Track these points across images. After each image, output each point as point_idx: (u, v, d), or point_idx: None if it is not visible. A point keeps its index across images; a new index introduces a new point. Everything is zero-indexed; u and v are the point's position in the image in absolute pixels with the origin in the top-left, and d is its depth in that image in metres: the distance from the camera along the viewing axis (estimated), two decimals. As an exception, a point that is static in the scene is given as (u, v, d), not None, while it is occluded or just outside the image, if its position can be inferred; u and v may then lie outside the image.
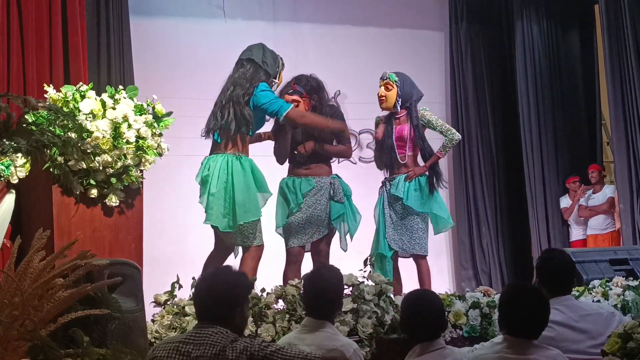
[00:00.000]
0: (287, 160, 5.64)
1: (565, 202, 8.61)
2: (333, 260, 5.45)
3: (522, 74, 8.64)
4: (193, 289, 3.02)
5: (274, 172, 5.64)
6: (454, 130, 5.91)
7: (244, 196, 4.99)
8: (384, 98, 5.83)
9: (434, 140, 6.03)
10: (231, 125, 5.10)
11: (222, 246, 5.20)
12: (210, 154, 5.22)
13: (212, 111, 5.29)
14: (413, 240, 5.70)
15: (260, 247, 5.13)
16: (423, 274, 5.73)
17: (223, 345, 2.73)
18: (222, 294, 2.88)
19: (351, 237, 5.57)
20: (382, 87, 5.84)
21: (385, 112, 5.95)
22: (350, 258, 5.49)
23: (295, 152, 5.54)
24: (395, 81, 5.81)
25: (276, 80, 5.34)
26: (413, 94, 5.86)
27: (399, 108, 5.82)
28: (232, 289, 2.91)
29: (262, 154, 5.70)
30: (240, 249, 5.20)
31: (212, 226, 5.11)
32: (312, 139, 5.52)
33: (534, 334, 3.11)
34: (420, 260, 5.74)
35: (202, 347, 2.74)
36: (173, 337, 2.97)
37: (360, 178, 6.18)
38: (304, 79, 5.54)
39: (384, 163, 5.92)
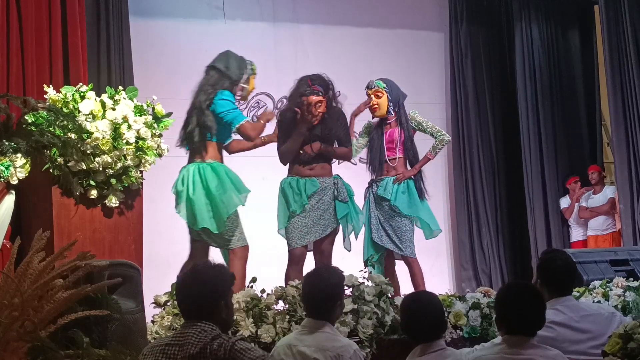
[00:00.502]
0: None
1: (565, 202, 8.61)
2: (335, 261, 5.43)
3: (522, 75, 8.64)
4: (175, 289, 2.99)
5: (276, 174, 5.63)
6: (444, 132, 5.92)
7: (220, 193, 4.98)
8: (376, 106, 5.80)
9: (422, 141, 6.03)
10: (194, 133, 5.08)
11: (198, 254, 5.17)
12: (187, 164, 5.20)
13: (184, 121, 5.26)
14: (403, 242, 5.68)
15: (245, 248, 5.11)
16: (416, 275, 5.70)
17: (204, 344, 2.72)
18: (203, 290, 2.86)
19: (356, 236, 5.54)
20: (372, 96, 5.81)
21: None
22: (352, 258, 5.50)
23: (301, 152, 5.47)
24: (384, 88, 5.78)
25: (245, 86, 5.28)
26: (400, 97, 5.86)
27: (392, 113, 5.82)
28: (213, 284, 2.88)
29: (261, 155, 5.71)
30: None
31: (193, 232, 5.11)
32: (318, 140, 5.46)
33: (531, 332, 3.11)
34: (411, 261, 5.72)
35: (185, 347, 2.73)
36: (160, 340, 2.96)
37: (360, 178, 6.16)
38: (318, 78, 5.47)
39: (373, 166, 5.90)
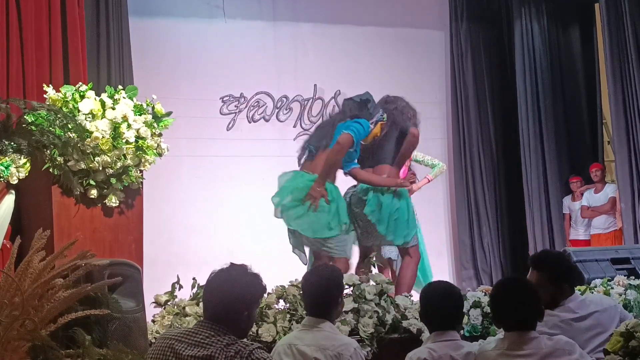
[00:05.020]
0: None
1: (568, 201, 8.61)
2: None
3: (522, 73, 8.63)
4: (205, 283, 2.92)
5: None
6: None
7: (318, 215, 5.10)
8: None
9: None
10: (320, 144, 5.31)
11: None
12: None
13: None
14: None
15: (343, 260, 5.18)
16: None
17: (215, 349, 2.67)
18: (232, 294, 2.77)
19: None
20: None
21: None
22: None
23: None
24: None
25: (371, 126, 5.41)
26: None
27: None
28: (243, 291, 2.80)
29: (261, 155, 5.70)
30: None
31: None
32: None
33: (529, 325, 3.10)
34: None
35: (195, 349, 2.69)
36: (171, 332, 2.91)
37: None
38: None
39: None
